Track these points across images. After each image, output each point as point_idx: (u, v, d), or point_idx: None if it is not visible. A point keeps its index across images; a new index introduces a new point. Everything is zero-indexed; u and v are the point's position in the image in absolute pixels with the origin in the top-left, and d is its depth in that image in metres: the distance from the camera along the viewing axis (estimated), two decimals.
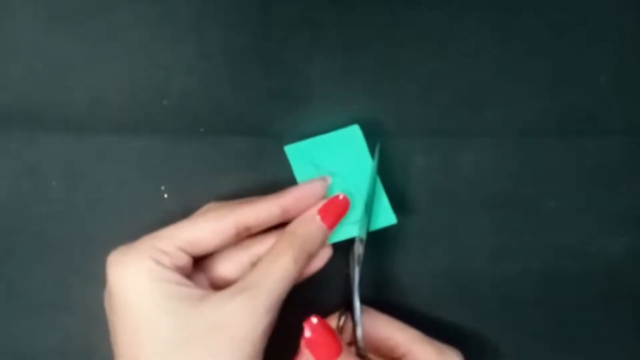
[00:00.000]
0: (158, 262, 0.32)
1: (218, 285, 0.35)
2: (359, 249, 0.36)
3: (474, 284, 0.40)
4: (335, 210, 0.35)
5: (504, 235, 0.40)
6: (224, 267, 0.35)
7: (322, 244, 0.35)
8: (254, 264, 0.35)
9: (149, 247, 0.32)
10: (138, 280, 0.32)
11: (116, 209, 0.39)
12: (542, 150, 0.40)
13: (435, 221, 0.40)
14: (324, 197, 0.36)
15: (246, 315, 0.31)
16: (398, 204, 0.39)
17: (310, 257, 0.34)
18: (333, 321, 0.36)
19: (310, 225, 0.35)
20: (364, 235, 0.36)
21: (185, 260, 0.33)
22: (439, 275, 0.40)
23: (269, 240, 0.35)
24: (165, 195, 0.39)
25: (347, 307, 0.36)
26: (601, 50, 0.40)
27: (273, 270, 0.33)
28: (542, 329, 0.40)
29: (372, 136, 0.39)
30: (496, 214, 0.40)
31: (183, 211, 0.35)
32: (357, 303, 0.36)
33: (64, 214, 0.39)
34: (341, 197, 0.36)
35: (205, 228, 0.33)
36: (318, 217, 0.35)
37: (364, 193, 0.37)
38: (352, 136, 0.38)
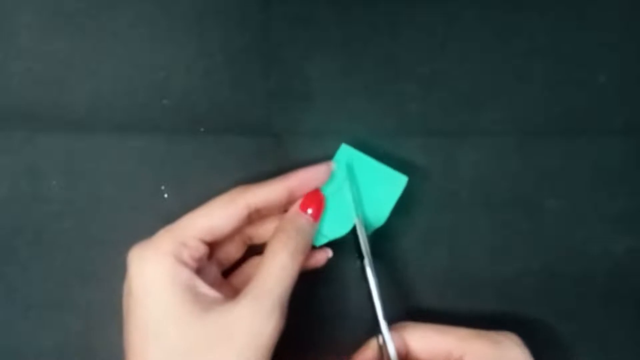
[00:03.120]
0: (178, 259, 0.32)
1: (225, 267, 0.37)
2: (369, 274, 0.36)
3: (474, 284, 0.40)
4: (315, 203, 0.36)
5: (504, 235, 0.40)
6: (227, 250, 0.37)
7: (312, 237, 0.36)
8: (245, 242, 0.37)
9: (169, 242, 0.33)
10: (155, 281, 0.32)
11: (116, 209, 0.39)
12: (542, 150, 0.40)
13: (435, 221, 0.40)
14: (326, 180, 0.36)
15: (251, 319, 0.31)
16: (398, 204, 0.39)
17: (305, 250, 0.35)
18: (373, 342, 0.36)
19: (298, 220, 0.35)
20: (368, 260, 0.36)
21: (202, 251, 0.34)
22: (439, 275, 0.40)
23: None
24: (165, 195, 0.39)
25: (378, 326, 0.35)
26: (601, 50, 0.40)
27: (272, 270, 0.33)
28: (542, 328, 0.40)
29: (373, 136, 0.39)
30: (496, 214, 0.40)
31: (183, 210, 0.35)
32: (383, 324, 0.35)
33: (64, 213, 0.39)
34: (314, 193, 0.36)
35: (220, 214, 0.34)
36: (302, 212, 0.36)
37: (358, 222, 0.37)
38: (396, 182, 0.38)
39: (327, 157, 0.38)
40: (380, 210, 0.38)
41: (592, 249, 0.40)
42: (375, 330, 0.35)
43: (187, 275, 0.32)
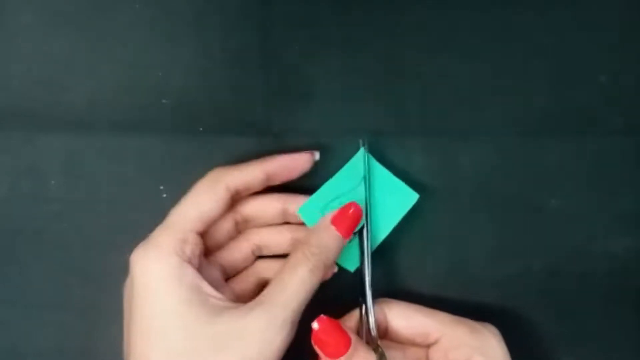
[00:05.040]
0: (182, 257, 0.32)
1: (229, 275, 0.37)
2: (366, 237, 0.37)
3: (474, 284, 0.40)
4: (348, 220, 0.35)
5: (504, 235, 0.40)
6: (231, 257, 0.37)
7: (338, 253, 0.35)
8: (254, 252, 0.37)
9: (171, 240, 0.33)
10: (161, 282, 0.32)
11: (115, 208, 0.39)
12: (542, 150, 0.40)
13: (435, 221, 0.40)
14: (307, 170, 0.36)
15: (263, 329, 0.31)
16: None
17: (327, 267, 0.34)
18: (356, 314, 0.36)
19: (325, 235, 0.35)
20: (367, 223, 0.37)
21: (201, 245, 0.34)
22: (439, 275, 0.40)
23: (267, 230, 0.37)
24: (164, 195, 0.39)
25: (363, 297, 0.36)
26: (601, 50, 0.40)
27: (289, 282, 0.33)
28: (542, 329, 0.40)
29: (373, 136, 0.39)
30: (496, 214, 0.40)
31: None
32: (368, 291, 0.35)
33: (64, 213, 0.39)
34: (353, 208, 0.36)
35: (206, 200, 0.34)
36: (332, 227, 0.35)
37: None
38: (406, 197, 0.38)
39: (327, 157, 0.38)
40: (385, 222, 0.38)
41: (593, 249, 0.40)
42: (359, 301, 0.36)
43: (193, 275, 0.32)
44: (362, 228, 0.37)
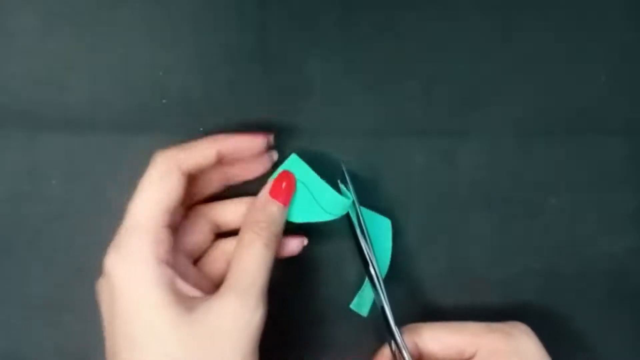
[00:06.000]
0: (158, 259, 0.32)
1: (195, 257, 0.37)
2: (376, 276, 0.36)
3: (474, 284, 0.40)
4: (283, 192, 0.35)
5: (504, 235, 0.40)
6: (194, 239, 0.36)
7: (284, 222, 0.35)
8: (212, 231, 0.37)
9: (145, 243, 0.32)
10: (139, 286, 0.31)
11: (116, 209, 0.39)
12: (542, 149, 0.40)
13: (435, 221, 0.40)
14: (261, 152, 0.36)
15: (240, 316, 0.31)
16: (398, 204, 0.39)
17: (279, 237, 0.34)
18: (386, 352, 0.36)
19: (269, 208, 0.35)
20: (375, 269, 0.36)
21: (171, 239, 0.33)
22: (439, 275, 0.40)
23: (223, 205, 0.37)
24: None
25: (390, 333, 0.35)
26: (601, 50, 0.40)
27: (249, 262, 0.33)
28: (541, 329, 0.40)
29: (373, 136, 0.39)
30: (496, 214, 0.40)
31: None
32: (394, 328, 0.35)
33: (64, 213, 0.39)
34: (286, 181, 0.36)
35: (166, 188, 0.33)
36: (273, 199, 0.35)
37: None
38: (384, 225, 0.38)
39: (326, 156, 0.38)
40: (380, 254, 0.38)
41: (593, 249, 0.40)
42: (386, 337, 0.35)
43: (169, 275, 0.32)
44: (369, 266, 0.36)
